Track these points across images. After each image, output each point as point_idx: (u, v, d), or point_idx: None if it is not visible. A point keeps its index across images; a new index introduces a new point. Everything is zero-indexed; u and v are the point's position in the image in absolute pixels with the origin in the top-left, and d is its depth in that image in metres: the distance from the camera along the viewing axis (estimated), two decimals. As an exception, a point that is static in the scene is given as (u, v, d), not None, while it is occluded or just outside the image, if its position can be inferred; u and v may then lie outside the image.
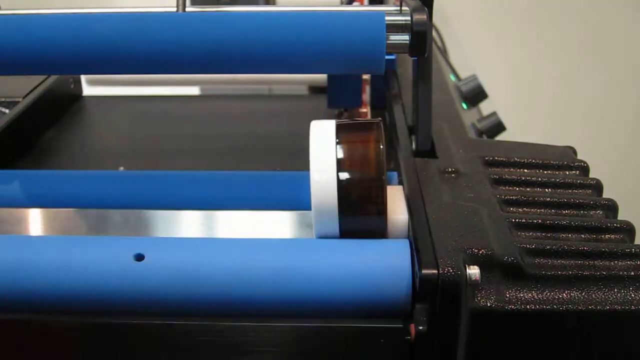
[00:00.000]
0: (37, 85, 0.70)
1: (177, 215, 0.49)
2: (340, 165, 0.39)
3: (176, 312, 0.39)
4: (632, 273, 0.38)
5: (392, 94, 0.60)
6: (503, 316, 0.37)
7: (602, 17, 1.25)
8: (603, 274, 0.38)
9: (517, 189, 0.45)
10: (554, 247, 0.39)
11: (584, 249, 0.39)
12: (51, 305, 0.39)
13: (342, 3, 0.79)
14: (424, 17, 0.42)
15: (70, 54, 0.46)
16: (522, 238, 0.40)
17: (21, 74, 0.50)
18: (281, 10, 0.47)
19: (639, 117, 1.31)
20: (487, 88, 0.77)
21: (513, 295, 0.37)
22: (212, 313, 0.39)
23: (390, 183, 0.43)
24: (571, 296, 0.38)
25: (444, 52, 1.03)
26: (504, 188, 0.45)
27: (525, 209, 0.44)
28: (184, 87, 0.81)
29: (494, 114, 0.75)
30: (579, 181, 0.46)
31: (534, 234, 0.41)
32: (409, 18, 0.45)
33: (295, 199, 0.48)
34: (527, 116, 1.21)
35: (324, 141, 0.40)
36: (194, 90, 0.81)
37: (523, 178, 0.46)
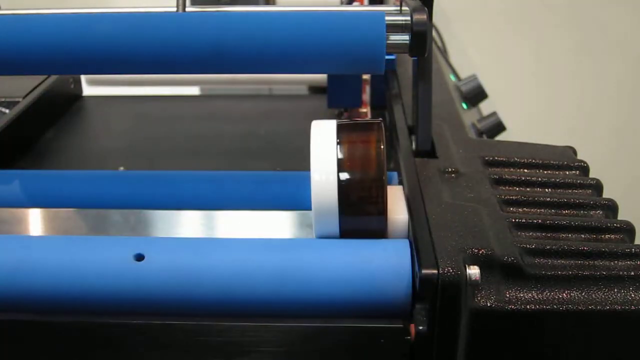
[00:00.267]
0: (37, 85, 0.70)
1: (177, 215, 0.49)
2: (341, 165, 0.39)
3: (176, 312, 0.39)
4: (632, 273, 0.38)
5: (392, 94, 0.60)
6: (503, 316, 0.37)
7: (602, 17, 1.25)
8: (603, 274, 0.38)
9: (517, 189, 0.45)
10: (554, 247, 0.39)
11: (584, 249, 0.39)
12: (51, 306, 0.39)
13: (342, 3, 0.79)
14: (424, 17, 0.42)
15: (70, 54, 0.46)
16: (522, 238, 0.40)
17: (21, 74, 0.50)
18: (281, 10, 0.47)
19: (639, 117, 1.31)
20: (487, 88, 0.77)
21: (513, 295, 0.37)
22: (212, 313, 0.39)
23: (390, 183, 0.43)
24: (571, 296, 0.38)
25: (444, 52, 1.03)
26: (504, 188, 0.45)
27: (525, 209, 0.44)
28: (184, 87, 0.81)
29: (494, 114, 0.75)
30: (579, 181, 0.46)
31: (534, 234, 0.41)
32: (409, 18, 0.45)
33: (295, 199, 0.48)
34: (527, 116, 1.21)
35: (324, 141, 0.40)
36: (194, 90, 0.81)
37: (523, 178, 0.46)
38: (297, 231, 0.48)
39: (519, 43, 1.27)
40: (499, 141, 0.55)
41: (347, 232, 0.40)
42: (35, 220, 0.49)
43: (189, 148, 0.66)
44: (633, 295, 0.38)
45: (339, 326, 0.38)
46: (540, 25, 1.26)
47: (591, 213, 0.44)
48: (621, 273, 0.38)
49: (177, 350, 0.38)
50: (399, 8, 0.46)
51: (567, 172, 0.48)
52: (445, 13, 1.16)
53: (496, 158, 0.48)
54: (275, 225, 0.48)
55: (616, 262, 0.39)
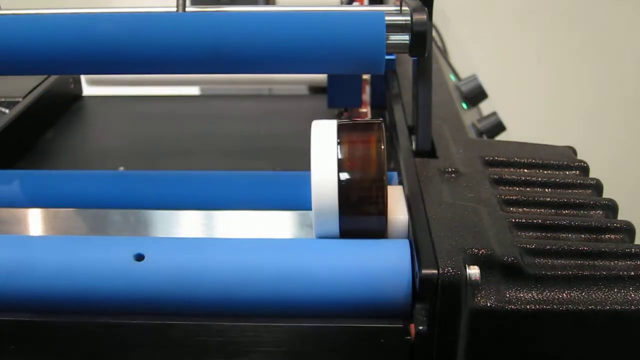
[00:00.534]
0: (37, 85, 0.70)
1: (177, 215, 0.49)
2: (341, 165, 0.39)
3: (176, 312, 0.39)
4: (632, 273, 0.38)
5: (392, 94, 0.60)
6: (503, 316, 0.37)
7: (602, 17, 1.25)
8: (603, 274, 0.38)
9: (517, 189, 0.45)
10: (554, 247, 0.39)
11: (584, 249, 0.39)
12: (51, 306, 0.39)
13: (342, 3, 0.79)
14: (424, 17, 0.42)
15: (69, 54, 0.46)
16: (522, 238, 0.40)
17: (21, 74, 0.50)
18: (281, 10, 0.47)
19: (639, 117, 1.31)
20: (487, 88, 0.77)
21: (513, 295, 0.37)
22: (212, 313, 0.39)
23: (390, 183, 0.43)
24: (571, 296, 0.38)
25: (444, 52, 1.03)
26: (504, 188, 0.45)
27: (525, 209, 0.44)
28: (184, 87, 0.81)
29: (494, 114, 0.75)
30: (579, 181, 0.46)
31: (534, 234, 0.41)
32: (409, 18, 0.45)
33: (295, 199, 0.48)
34: (527, 116, 1.21)
35: (325, 141, 0.40)
36: (194, 90, 0.81)
37: (523, 178, 0.46)
38: (297, 231, 0.48)
39: (519, 43, 1.27)
40: (499, 141, 0.55)
41: (347, 232, 0.40)
42: (35, 220, 0.49)
43: (189, 148, 0.66)
44: (633, 295, 0.38)
45: (339, 326, 0.38)
46: (541, 25, 1.26)
47: (591, 213, 0.44)
48: (621, 273, 0.38)
49: (177, 350, 0.38)
50: (399, 8, 0.46)
51: (567, 172, 0.48)
52: (445, 13, 1.16)
53: (496, 158, 0.48)
54: (275, 225, 0.48)
55: (616, 262, 0.39)
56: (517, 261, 0.38)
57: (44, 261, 0.39)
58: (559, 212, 0.44)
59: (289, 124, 0.70)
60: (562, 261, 0.39)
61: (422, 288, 0.36)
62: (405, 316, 0.38)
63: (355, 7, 0.49)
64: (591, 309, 0.37)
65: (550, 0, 1.25)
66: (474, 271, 0.36)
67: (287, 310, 0.38)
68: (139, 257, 0.39)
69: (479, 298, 0.37)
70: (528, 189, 0.45)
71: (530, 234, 0.41)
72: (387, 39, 0.45)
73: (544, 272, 0.38)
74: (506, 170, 0.48)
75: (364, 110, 0.69)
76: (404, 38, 0.44)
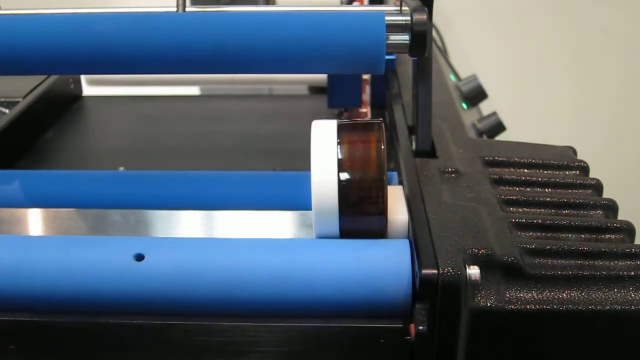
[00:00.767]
0: (37, 85, 0.70)
1: (177, 215, 0.49)
2: (341, 165, 0.39)
3: (176, 312, 0.39)
4: (632, 273, 0.38)
5: (392, 94, 0.60)
6: (503, 316, 0.37)
7: (602, 17, 1.25)
8: (603, 274, 0.38)
9: (517, 189, 0.45)
10: (554, 247, 0.39)
11: (584, 249, 0.39)
12: (51, 306, 0.39)
13: (342, 3, 0.79)
14: (424, 17, 0.42)
15: (69, 54, 0.46)
16: (522, 238, 0.40)
17: (20, 74, 0.50)
18: (281, 10, 0.47)
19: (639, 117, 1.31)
20: (487, 88, 0.77)
21: (513, 295, 0.37)
22: (212, 313, 0.39)
23: (390, 183, 0.43)
24: (571, 296, 0.38)
25: (444, 52, 1.03)
26: (504, 188, 0.45)
27: (525, 209, 0.44)
28: (184, 87, 0.81)
29: (494, 114, 0.75)
30: (579, 181, 0.46)
31: (534, 234, 0.41)
32: (409, 18, 0.45)
33: (295, 199, 0.48)
34: (527, 116, 1.21)
35: (325, 141, 0.40)
36: (194, 90, 0.82)
37: (523, 178, 0.46)
38: (297, 231, 0.48)
39: (519, 43, 1.27)
40: (499, 141, 0.55)
41: (347, 232, 0.40)
42: (35, 220, 0.49)
43: (189, 148, 0.66)
44: (633, 295, 0.38)
45: (339, 326, 0.38)
46: (541, 25, 1.26)
47: (591, 213, 0.44)
48: (621, 273, 0.38)
49: (177, 350, 0.38)
50: (399, 8, 0.46)
51: (567, 172, 0.48)
52: (445, 13, 1.16)
53: (496, 158, 0.48)
54: (275, 225, 0.48)
55: (616, 262, 0.39)
56: (517, 261, 0.38)
57: (44, 261, 0.39)
58: (559, 212, 0.44)
59: (289, 124, 0.70)
60: (562, 261, 0.39)
61: (422, 288, 0.36)
62: (405, 316, 0.38)
63: (355, 7, 0.49)
64: (591, 309, 0.37)
65: (550, 0, 1.25)
66: (474, 271, 0.36)
67: (287, 311, 0.38)
68: (139, 257, 0.39)
69: (479, 298, 0.37)
70: (528, 189, 0.45)
71: (530, 234, 0.41)
72: (387, 39, 0.44)
73: (544, 272, 0.38)
74: (506, 170, 0.48)
75: (364, 110, 0.69)
76: (404, 38, 0.44)
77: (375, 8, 0.46)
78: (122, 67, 0.47)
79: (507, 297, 0.37)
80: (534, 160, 0.48)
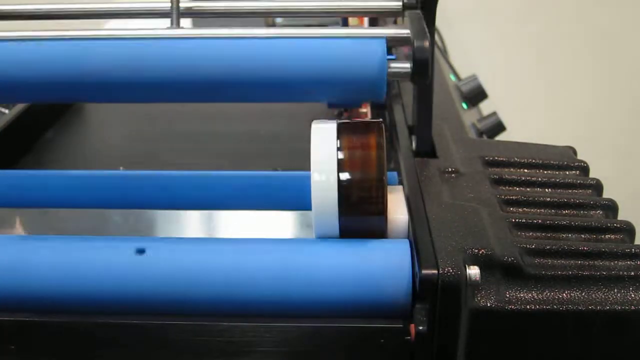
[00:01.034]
0: (37, 85, 0.69)
1: (177, 215, 0.49)
2: (341, 165, 0.39)
3: (176, 312, 0.39)
4: (632, 273, 0.38)
5: (392, 94, 0.60)
6: (503, 316, 0.37)
7: (602, 17, 1.25)
8: (603, 274, 0.38)
9: (517, 189, 0.45)
10: (554, 247, 0.39)
11: (584, 249, 0.39)
12: (51, 306, 0.39)
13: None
14: (426, 44, 0.40)
15: (50, 83, 0.43)
16: (522, 238, 0.40)
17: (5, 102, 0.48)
18: (278, 34, 0.43)
19: (639, 117, 1.31)
20: (487, 88, 0.78)
21: (513, 295, 0.37)
22: (212, 313, 0.39)
23: (390, 183, 0.43)
24: (571, 296, 0.38)
25: (444, 52, 1.03)
26: (504, 188, 0.45)
27: (525, 209, 0.44)
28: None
29: (494, 114, 0.75)
30: (579, 181, 0.46)
31: (534, 234, 0.41)
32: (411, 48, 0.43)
33: (295, 199, 0.48)
34: (527, 116, 1.21)
35: (325, 141, 0.40)
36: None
37: (523, 178, 0.46)
38: (298, 231, 0.48)
39: (520, 43, 1.27)
40: (499, 141, 0.55)
41: (346, 232, 0.40)
42: (35, 220, 0.49)
43: (189, 148, 0.66)
44: (633, 295, 0.38)
45: (339, 326, 0.38)
46: (541, 25, 1.26)
47: (591, 213, 0.44)
48: (621, 273, 0.38)
49: (177, 350, 0.38)
50: (399, 30, 0.43)
51: (567, 172, 0.48)
52: (446, 13, 1.16)
53: (496, 158, 0.48)
54: (275, 225, 0.48)
55: (616, 262, 0.39)
56: (517, 261, 0.38)
57: (44, 261, 0.39)
58: (559, 212, 0.44)
59: (289, 124, 0.70)
60: (562, 261, 0.39)
61: (422, 288, 0.36)
62: (405, 316, 0.38)
63: (355, 30, 0.45)
64: (591, 309, 0.37)
65: (550, 1, 1.25)
66: (474, 271, 0.36)
67: (287, 310, 0.38)
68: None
69: (479, 298, 0.37)
70: (528, 189, 0.45)
71: (530, 234, 0.41)
72: (388, 66, 0.42)
73: (544, 272, 0.38)
74: (506, 170, 0.48)
75: (364, 110, 0.69)
76: (406, 66, 0.42)
77: (376, 31, 0.44)
78: (103, 96, 0.45)
79: (507, 297, 0.37)
80: (534, 160, 0.48)
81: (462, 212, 0.41)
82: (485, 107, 0.80)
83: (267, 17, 0.89)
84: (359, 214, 0.39)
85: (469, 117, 0.71)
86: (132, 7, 0.47)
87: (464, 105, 0.75)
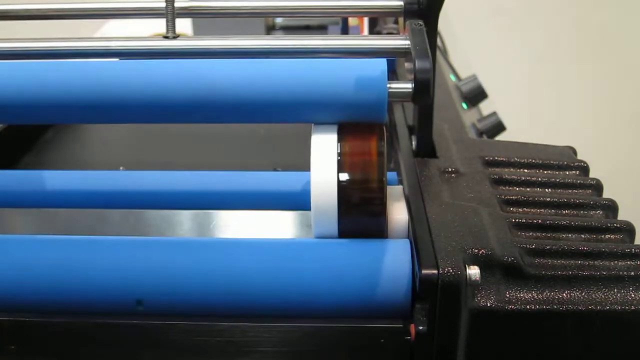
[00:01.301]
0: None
1: (177, 215, 0.49)
2: (341, 165, 0.39)
3: (176, 312, 0.39)
4: (632, 273, 0.38)
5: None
6: (503, 316, 0.37)
7: (602, 17, 1.25)
8: (603, 274, 0.38)
9: (517, 189, 0.45)
10: (554, 247, 0.39)
11: (584, 249, 0.39)
12: (51, 306, 0.39)
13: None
14: (428, 65, 0.38)
15: (37, 104, 0.41)
16: (522, 238, 0.40)
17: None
18: (277, 46, 0.42)
19: (639, 117, 1.31)
20: (487, 88, 0.77)
21: (513, 295, 0.37)
22: (212, 313, 0.39)
23: (390, 183, 0.43)
24: (571, 296, 0.38)
25: (444, 52, 1.02)
26: (504, 188, 0.45)
27: (525, 209, 0.44)
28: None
29: (494, 114, 0.75)
30: (579, 181, 0.46)
31: (534, 234, 0.41)
32: (411, 65, 0.40)
33: (295, 199, 0.48)
34: (527, 116, 1.21)
35: (325, 141, 0.40)
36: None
37: (523, 178, 0.46)
38: (297, 231, 0.48)
39: (519, 43, 1.27)
40: (499, 141, 0.55)
41: (346, 232, 0.40)
42: (35, 220, 0.49)
43: (189, 148, 0.66)
44: (633, 295, 0.38)
45: (339, 326, 0.38)
46: (541, 25, 1.26)
47: (591, 213, 0.44)
48: (621, 273, 0.38)
49: (177, 350, 0.38)
50: (399, 42, 0.42)
51: (567, 172, 0.48)
52: (446, 13, 1.16)
53: (496, 158, 0.48)
54: (275, 225, 0.48)
55: (616, 262, 0.39)
56: (517, 261, 0.38)
57: (44, 261, 0.39)
58: (559, 212, 0.44)
59: (289, 124, 0.70)
60: (562, 261, 0.39)
61: (422, 288, 0.36)
62: (405, 316, 0.38)
63: (356, 40, 0.43)
64: (591, 309, 0.37)
65: (550, 1, 1.25)
66: (474, 271, 0.36)
67: (287, 311, 0.38)
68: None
69: (479, 298, 0.37)
70: (528, 189, 0.45)
71: (530, 234, 0.41)
72: (388, 87, 0.40)
73: (544, 272, 0.38)
74: (506, 170, 0.48)
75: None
76: (407, 87, 0.40)
77: (376, 43, 0.42)
78: (94, 117, 0.42)
79: (507, 297, 0.37)
80: (534, 160, 0.48)
81: (462, 212, 0.41)
82: (485, 107, 0.80)
83: (266, 17, 0.89)
84: (359, 215, 0.39)
85: (469, 117, 0.71)
86: (130, 7, 0.47)
87: (464, 105, 0.75)
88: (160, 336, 0.38)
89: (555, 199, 0.44)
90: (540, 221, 0.42)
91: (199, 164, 0.62)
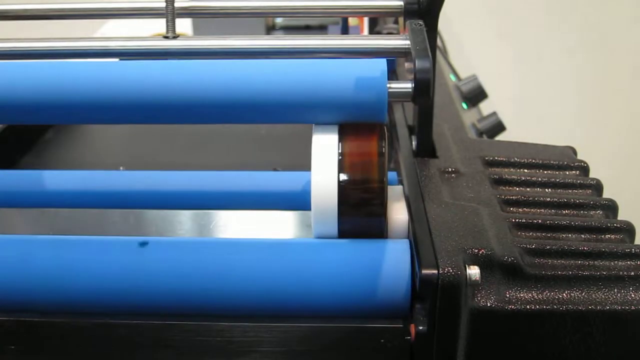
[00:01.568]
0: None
1: (177, 215, 0.49)
2: (341, 166, 0.39)
3: (176, 312, 0.39)
4: (632, 273, 0.38)
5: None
6: (503, 316, 0.37)
7: (602, 17, 1.25)
8: (603, 274, 0.38)
9: (517, 189, 0.45)
10: (554, 247, 0.39)
11: (584, 249, 0.39)
12: (51, 306, 0.39)
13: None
14: (428, 64, 0.38)
15: (36, 103, 0.41)
16: (522, 238, 0.40)
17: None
18: (277, 46, 0.42)
19: (639, 117, 1.31)
20: (487, 88, 0.77)
21: (513, 295, 0.37)
22: (212, 313, 0.39)
23: (390, 183, 0.43)
24: (571, 296, 0.38)
25: (444, 52, 1.02)
26: (504, 188, 0.45)
27: (525, 209, 0.44)
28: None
29: (494, 114, 0.75)
30: (579, 181, 0.46)
31: (534, 234, 0.41)
32: (411, 65, 0.39)
33: (295, 199, 0.48)
34: (527, 116, 1.21)
35: (325, 141, 0.40)
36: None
37: (523, 178, 0.46)
38: (297, 231, 0.48)
39: (519, 43, 1.27)
40: (499, 141, 0.55)
41: (346, 232, 0.40)
42: (35, 220, 0.49)
43: (189, 148, 0.66)
44: (633, 295, 0.38)
45: (339, 326, 0.38)
46: (541, 25, 1.26)
47: (591, 213, 0.44)
48: (621, 273, 0.38)
49: (177, 350, 0.38)
50: (399, 42, 0.42)
51: (567, 172, 0.48)
52: (446, 13, 1.16)
53: (496, 158, 0.48)
54: (275, 225, 0.48)
55: (616, 262, 0.39)
56: (517, 261, 0.38)
57: (44, 261, 0.39)
58: (559, 212, 0.44)
59: (289, 124, 0.70)
60: (562, 261, 0.39)
61: (422, 288, 0.36)
62: (405, 316, 0.38)
63: (355, 43, 0.43)
64: (591, 309, 0.37)
65: (550, 0, 1.25)
66: (474, 271, 0.36)
67: (287, 311, 0.38)
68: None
69: (479, 298, 0.37)
70: (528, 189, 0.45)
71: (530, 234, 0.41)
72: (388, 87, 0.40)
73: (544, 272, 0.38)
74: (506, 170, 0.48)
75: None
76: (407, 86, 0.40)
77: (376, 43, 0.42)
78: (94, 118, 0.42)
79: (507, 297, 0.37)
80: (534, 160, 0.48)
81: (462, 212, 0.41)
82: (485, 107, 0.80)
83: (266, 17, 0.89)
84: (359, 215, 0.39)
85: (469, 117, 0.71)
86: (130, 7, 0.47)
87: (464, 105, 0.75)
88: (160, 336, 0.38)
89: (555, 199, 0.44)
90: (540, 221, 0.42)
91: (199, 164, 0.62)
